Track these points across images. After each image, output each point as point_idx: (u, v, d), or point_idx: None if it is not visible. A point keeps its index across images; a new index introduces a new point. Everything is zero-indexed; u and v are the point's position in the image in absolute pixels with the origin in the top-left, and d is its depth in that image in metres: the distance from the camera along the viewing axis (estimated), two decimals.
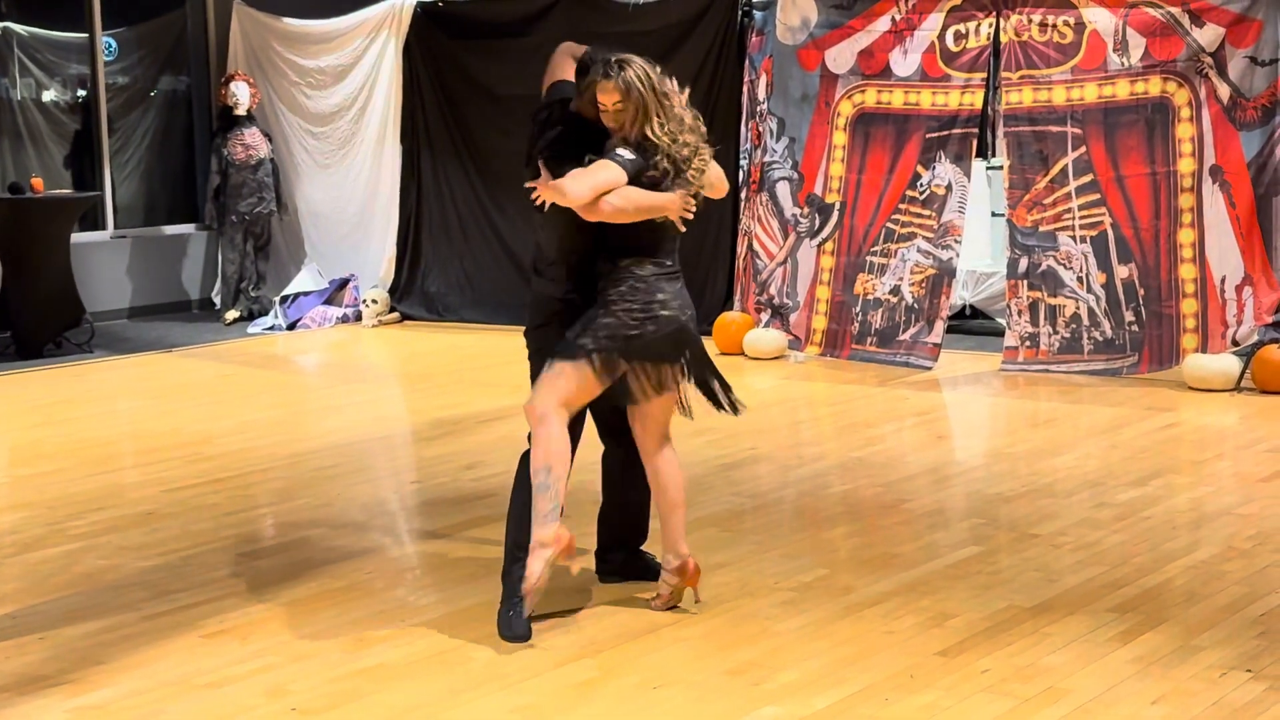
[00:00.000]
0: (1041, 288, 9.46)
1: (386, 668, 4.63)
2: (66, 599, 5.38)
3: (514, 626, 4.83)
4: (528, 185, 4.96)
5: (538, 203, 4.91)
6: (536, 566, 4.74)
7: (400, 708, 4.33)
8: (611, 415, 5.19)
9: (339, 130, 12.62)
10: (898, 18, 9.87)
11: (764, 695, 4.37)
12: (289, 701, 4.38)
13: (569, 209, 4.86)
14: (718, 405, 5.16)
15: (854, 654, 4.69)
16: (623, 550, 5.38)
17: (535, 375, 5.02)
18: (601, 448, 5.33)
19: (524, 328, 5.16)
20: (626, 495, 5.31)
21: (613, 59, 4.99)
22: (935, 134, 9.76)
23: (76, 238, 11.66)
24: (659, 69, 5.01)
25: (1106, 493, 6.60)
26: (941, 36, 9.75)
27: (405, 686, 4.48)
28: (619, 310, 4.92)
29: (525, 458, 4.96)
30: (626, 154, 4.89)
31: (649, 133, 4.91)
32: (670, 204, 4.94)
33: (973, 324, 11.00)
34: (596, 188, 4.84)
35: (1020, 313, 9.52)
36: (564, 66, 5.23)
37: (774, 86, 10.39)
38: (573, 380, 4.89)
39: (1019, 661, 4.59)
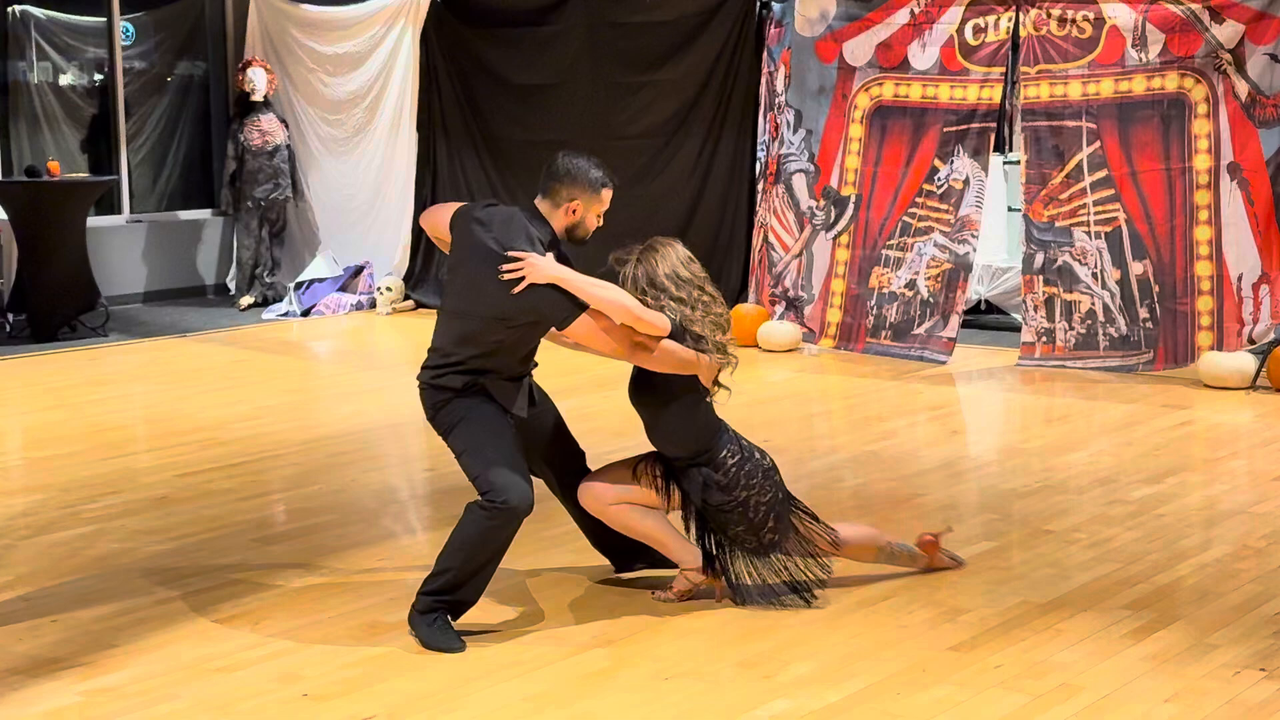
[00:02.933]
0: (1058, 283, 9.43)
1: (398, 655, 4.63)
2: (79, 582, 5.39)
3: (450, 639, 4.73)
4: (516, 255, 4.68)
5: (508, 277, 4.64)
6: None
7: (412, 695, 4.33)
8: (543, 455, 5.12)
9: (353, 117, 12.62)
10: (917, 10, 9.85)
11: (776, 688, 4.37)
12: (301, 687, 4.38)
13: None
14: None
15: (866, 648, 4.68)
16: (629, 548, 5.35)
17: (467, 447, 4.79)
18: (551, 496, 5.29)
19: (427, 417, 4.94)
20: (609, 531, 5.22)
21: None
22: (953, 128, 9.74)
23: (92, 221, 11.68)
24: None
25: (1120, 490, 6.58)
26: (960, 30, 9.72)
27: (416, 674, 4.48)
28: (753, 492, 4.99)
29: (479, 517, 4.75)
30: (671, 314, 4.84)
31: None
32: (692, 360, 4.86)
33: (988, 319, 10.98)
34: (656, 328, 4.76)
35: (1036, 308, 9.50)
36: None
37: (791, 78, 10.37)
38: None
39: (1031, 657, 4.58)
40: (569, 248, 4.96)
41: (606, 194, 4.90)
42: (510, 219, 4.82)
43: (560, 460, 5.19)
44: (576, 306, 4.69)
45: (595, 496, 5.04)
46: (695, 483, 4.99)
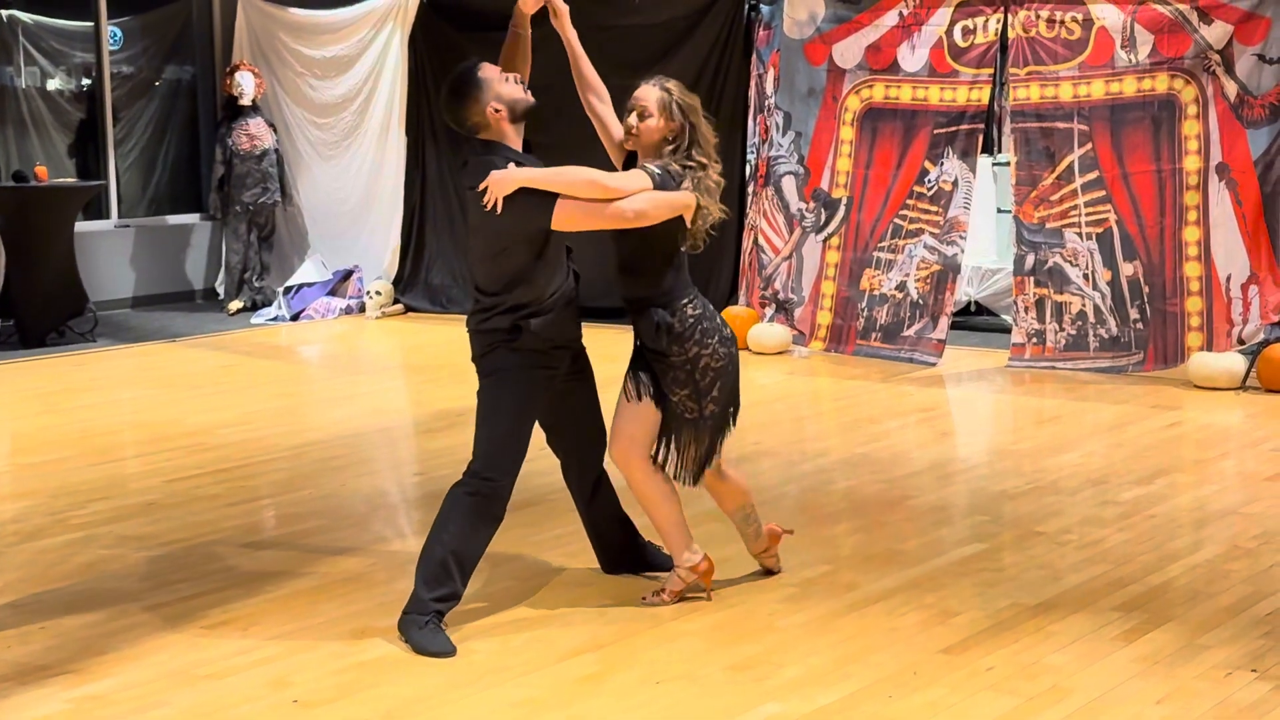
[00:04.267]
0: (1048, 284, 9.44)
1: (388, 660, 4.62)
2: (68, 589, 5.37)
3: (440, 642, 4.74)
4: (481, 186, 4.73)
5: (488, 206, 4.72)
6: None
7: (402, 700, 4.32)
8: (569, 434, 5.16)
9: (342, 121, 12.60)
10: (905, 12, 9.85)
11: (767, 691, 4.36)
12: (291, 693, 4.37)
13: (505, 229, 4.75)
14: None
15: (857, 650, 4.67)
16: (624, 547, 5.36)
17: (487, 406, 4.87)
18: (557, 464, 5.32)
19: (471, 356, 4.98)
20: (603, 507, 5.27)
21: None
22: (943, 129, 9.74)
23: (80, 227, 11.66)
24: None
25: (1111, 491, 6.58)
26: (949, 32, 9.73)
27: (407, 679, 4.47)
28: (706, 351, 4.92)
29: (463, 497, 4.84)
30: (653, 168, 4.85)
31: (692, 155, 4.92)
32: (690, 203, 4.90)
33: (977, 320, 10.98)
34: (629, 188, 4.78)
35: (1027, 309, 9.51)
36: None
37: (781, 81, 10.37)
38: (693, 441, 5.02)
39: (1023, 659, 4.57)
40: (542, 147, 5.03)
41: (490, 68, 4.96)
42: (470, 169, 4.86)
43: (579, 446, 5.19)
44: (550, 198, 4.74)
45: (622, 452, 5.01)
46: (649, 323, 4.92)
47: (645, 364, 5.04)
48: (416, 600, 4.77)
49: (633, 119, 4.96)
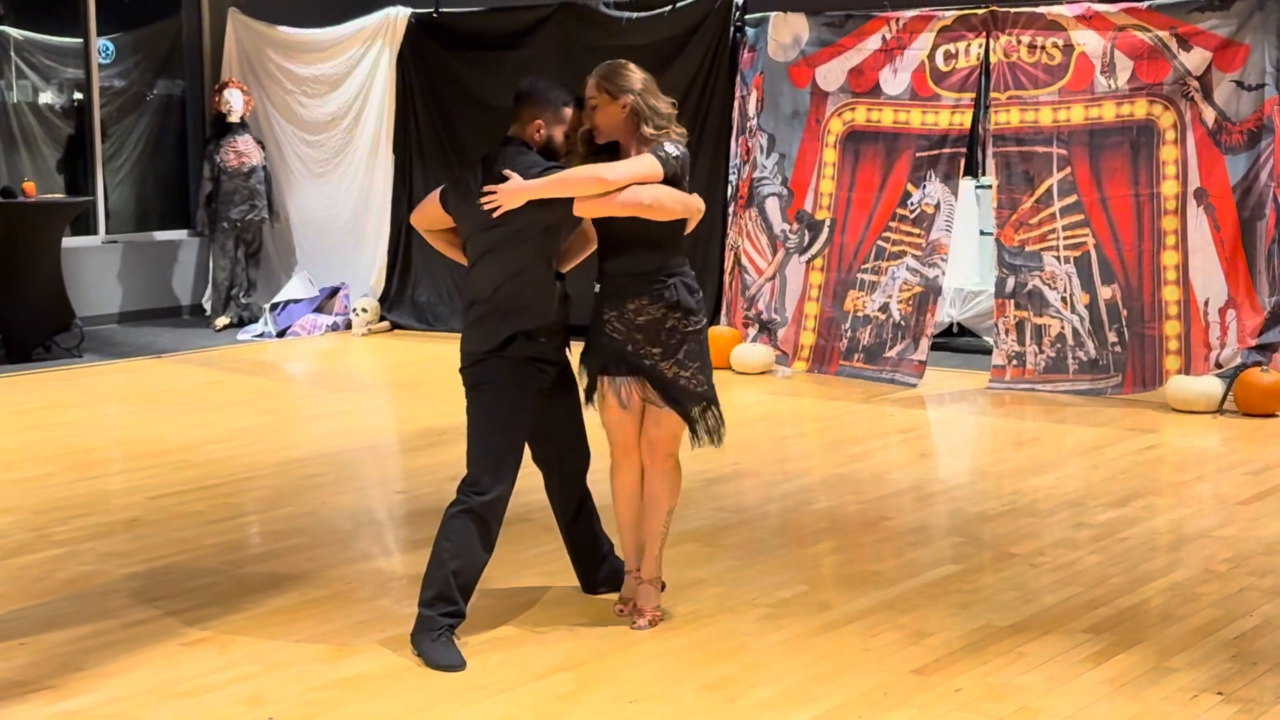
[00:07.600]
0: (1028, 307, 9.51)
1: (366, 678, 4.66)
2: (49, 605, 5.41)
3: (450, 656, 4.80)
4: (487, 190, 4.78)
5: (496, 213, 4.78)
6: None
7: (378, 718, 4.36)
8: (551, 448, 5.20)
9: (332, 139, 12.66)
10: (888, 37, 9.93)
11: (740, 711, 4.41)
12: (267, 710, 4.41)
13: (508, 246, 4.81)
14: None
15: (830, 670, 4.72)
16: (603, 564, 5.42)
17: (479, 419, 4.92)
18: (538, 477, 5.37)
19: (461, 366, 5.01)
20: (585, 527, 5.34)
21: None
22: (925, 153, 9.81)
23: (68, 242, 11.69)
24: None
25: (1086, 513, 6.64)
26: (931, 56, 9.81)
27: (384, 697, 4.51)
28: (699, 328, 4.94)
29: (458, 515, 4.88)
30: (671, 150, 4.84)
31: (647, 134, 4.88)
32: (702, 208, 4.94)
33: (959, 342, 11.04)
34: (636, 174, 4.77)
35: (1007, 332, 9.57)
36: None
37: (764, 103, 10.44)
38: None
39: (993, 681, 4.62)
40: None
41: (568, 112, 4.99)
42: (508, 159, 4.88)
43: (561, 462, 5.24)
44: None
45: (672, 454, 5.06)
46: (672, 295, 4.86)
47: (617, 361, 4.99)
48: (423, 618, 4.83)
49: (586, 119, 4.94)
